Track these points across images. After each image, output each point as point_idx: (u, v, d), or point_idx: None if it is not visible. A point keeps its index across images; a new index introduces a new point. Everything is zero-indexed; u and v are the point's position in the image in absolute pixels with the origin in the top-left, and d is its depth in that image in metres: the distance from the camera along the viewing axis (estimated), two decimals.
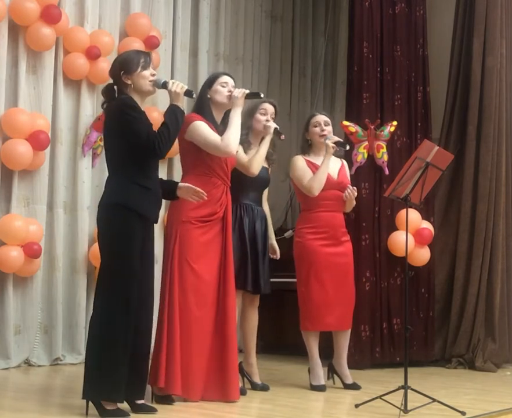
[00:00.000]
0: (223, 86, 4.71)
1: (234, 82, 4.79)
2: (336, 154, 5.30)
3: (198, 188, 4.36)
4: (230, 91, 4.68)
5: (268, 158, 5.12)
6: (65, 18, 5.99)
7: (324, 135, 5.22)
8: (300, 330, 5.26)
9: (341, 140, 5.26)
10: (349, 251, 5.34)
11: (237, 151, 4.84)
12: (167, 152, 4.12)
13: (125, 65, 4.13)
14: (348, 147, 5.30)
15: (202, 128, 4.55)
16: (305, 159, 5.29)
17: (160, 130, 4.07)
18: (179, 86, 4.19)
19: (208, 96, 4.71)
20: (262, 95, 4.74)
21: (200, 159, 4.58)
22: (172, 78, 6.56)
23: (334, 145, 5.18)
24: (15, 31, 5.83)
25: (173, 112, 4.13)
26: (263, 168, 5.01)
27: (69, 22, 6.08)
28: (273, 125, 5.00)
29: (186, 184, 4.40)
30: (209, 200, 4.51)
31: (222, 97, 4.69)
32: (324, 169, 5.17)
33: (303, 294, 5.22)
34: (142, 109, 4.13)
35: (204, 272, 4.54)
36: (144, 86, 4.13)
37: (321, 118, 5.30)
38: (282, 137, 5.07)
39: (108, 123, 4.14)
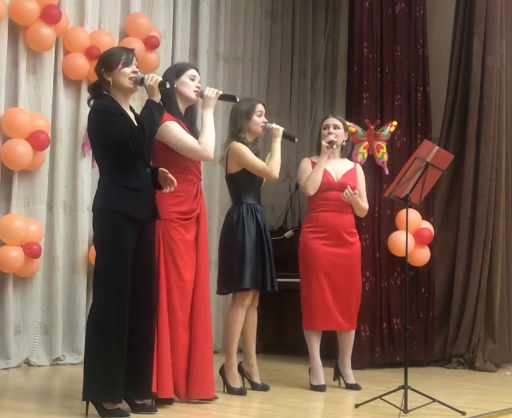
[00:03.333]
0: (192, 79, 4.60)
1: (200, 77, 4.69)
2: (343, 155, 5.35)
3: (170, 176, 4.20)
4: (197, 87, 4.58)
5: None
6: (65, 18, 5.98)
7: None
8: (303, 329, 5.26)
9: (334, 140, 5.24)
10: (354, 253, 5.29)
11: (249, 156, 4.85)
12: (143, 149, 4.00)
13: (106, 62, 4.09)
14: (334, 147, 5.27)
15: (175, 130, 4.39)
16: (312, 161, 5.32)
17: (135, 128, 4.01)
18: (153, 79, 4.08)
19: (175, 86, 4.54)
20: (238, 99, 4.64)
21: (172, 158, 4.44)
22: None
23: (327, 145, 5.21)
24: (15, 31, 5.82)
25: (148, 108, 4.05)
26: None
27: (69, 22, 6.08)
28: (281, 128, 4.99)
29: (162, 169, 4.22)
30: (187, 196, 4.46)
31: (189, 91, 4.57)
32: (317, 169, 5.21)
33: (305, 292, 5.23)
34: (126, 107, 4.09)
35: (186, 271, 4.46)
36: (124, 84, 4.07)
37: (331, 121, 5.32)
38: (296, 140, 5.06)
39: (89, 131, 4.15)
